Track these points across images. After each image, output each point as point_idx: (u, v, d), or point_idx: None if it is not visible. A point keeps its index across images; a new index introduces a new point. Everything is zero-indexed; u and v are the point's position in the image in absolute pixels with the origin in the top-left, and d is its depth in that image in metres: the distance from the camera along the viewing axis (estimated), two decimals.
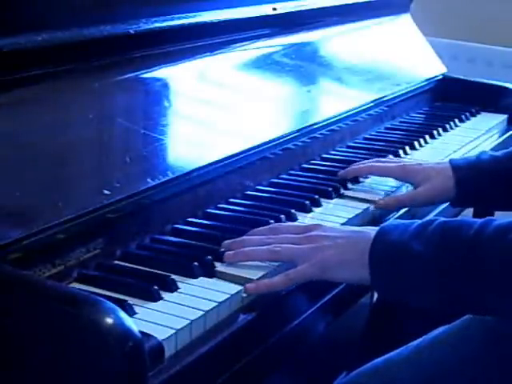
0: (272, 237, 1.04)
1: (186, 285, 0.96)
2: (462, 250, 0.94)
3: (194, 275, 0.98)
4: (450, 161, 1.31)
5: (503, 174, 1.29)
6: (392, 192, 1.32)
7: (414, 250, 0.96)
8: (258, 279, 0.99)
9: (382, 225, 1.02)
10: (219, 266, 1.01)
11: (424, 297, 0.98)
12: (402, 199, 1.30)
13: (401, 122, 1.78)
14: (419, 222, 0.99)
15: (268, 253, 1.01)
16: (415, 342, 1.11)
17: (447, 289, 0.95)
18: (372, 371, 1.12)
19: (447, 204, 1.38)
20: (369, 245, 0.98)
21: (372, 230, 1.00)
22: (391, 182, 1.36)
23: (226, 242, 1.05)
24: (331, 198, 1.28)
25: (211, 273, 1.00)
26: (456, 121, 1.79)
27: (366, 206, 1.25)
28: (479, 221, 0.97)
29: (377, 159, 1.40)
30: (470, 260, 0.93)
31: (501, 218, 0.97)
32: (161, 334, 0.84)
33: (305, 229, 1.05)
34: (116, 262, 1.02)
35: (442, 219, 0.99)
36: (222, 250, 1.04)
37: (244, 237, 1.06)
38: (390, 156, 1.48)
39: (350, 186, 1.33)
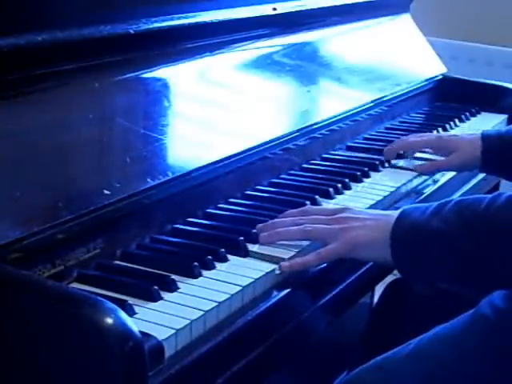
0: (303, 218, 1.11)
1: (186, 285, 0.96)
2: (475, 223, 0.99)
3: (194, 275, 0.98)
4: (482, 132, 1.46)
5: None
6: (389, 195, 1.33)
7: (433, 227, 1.00)
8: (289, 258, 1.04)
9: (403, 207, 1.07)
10: (219, 266, 1.01)
11: (442, 272, 1.02)
12: (437, 164, 1.45)
13: (401, 122, 1.78)
14: (438, 202, 1.04)
15: (300, 232, 1.08)
16: (415, 340, 1.11)
17: (463, 262, 0.99)
18: (372, 369, 1.12)
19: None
20: (391, 226, 1.03)
21: (397, 213, 1.05)
22: (389, 183, 1.37)
23: (259, 225, 1.11)
24: (331, 198, 1.28)
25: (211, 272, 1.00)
26: (456, 121, 1.79)
27: (365, 206, 1.25)
28: (490, 195, 1.01)
29: (413, 134, 1.55)
30: (482, 232, 0.98)
31: None
32: (161, 333, 0.84)
33: (334, 211, 1.11)
34: (116, 262, 1.02)
35: (459, 198, 1.04)
36: (255, 231, 1.09)
37: (276, 219, 1.12)
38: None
39: (349, 185, 1.34)
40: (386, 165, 1.46)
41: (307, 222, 1.09)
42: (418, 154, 1.51)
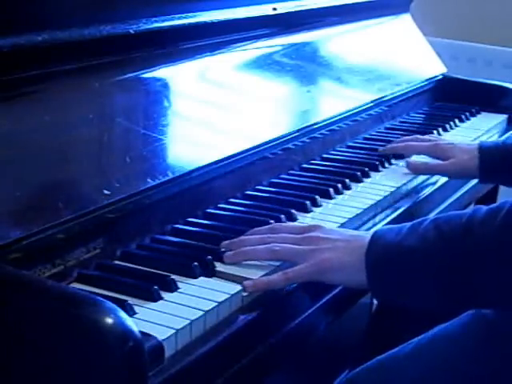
0: (271, 236, 1.05)
1: (186, 285, 0.96)
2: (456, 238, 0.96)
3: (194, 275, 0.98)
4: (480, 142, 1.46)
5: None
6: (389, 195, 1.32)
7: (409, 246, 0.97)
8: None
9: (375, 229, 1.03)
10: (219, 266, 1.01)
11: (422, 294, 0.98)
12: (431, 167, 1.44)
13: (401, 121, 1.78)
14: (411, 222, 1.01)
15: (267, 252, 1.02)
16: (416, 339, 1.11)
17: (444, 280, 0.96)
18: (373, 369, 1.12)
19: (447, 204, 1.44)
20: (365, 248, 0.99)
21: (369, 234, 1.01)
22: (389, 183, 1.36)
23: (225, 242, 1.06)
24: (331, 198, 1.28)
25: (211, 273, 1.00)
26: (456, 121, 1.79)
27: (365, 206, 1.26)
28: (469, 210, 0.99)
29: (414, 136, 1.55)
30: (464, 246, 0.95)
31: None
32: (161, 333, 0.84)
33: (304, 229, 1.06)
34: (116, 261, 1.02)
35: (434, 216, 1.01)
36: (222, 250, 1.04)
37: (243, 236, 1.07)
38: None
39: (350, 185, 1.34)
40: (386, 165, 1.46)
41: (275, 241, 1.03)
42: (416, 157, 1.50)
